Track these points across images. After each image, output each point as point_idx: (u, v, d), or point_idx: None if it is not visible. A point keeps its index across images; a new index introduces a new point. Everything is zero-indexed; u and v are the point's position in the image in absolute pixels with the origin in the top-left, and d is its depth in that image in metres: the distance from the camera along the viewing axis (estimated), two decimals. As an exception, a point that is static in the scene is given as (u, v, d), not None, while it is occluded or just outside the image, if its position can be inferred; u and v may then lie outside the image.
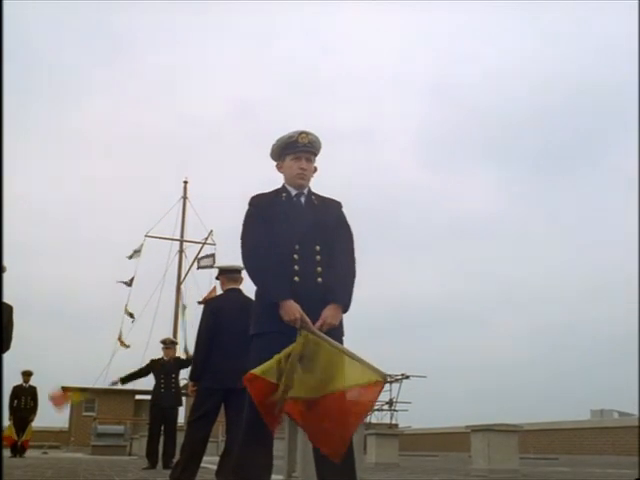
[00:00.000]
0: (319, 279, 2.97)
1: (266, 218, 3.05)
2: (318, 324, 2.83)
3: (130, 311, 24.10)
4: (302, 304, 2.85)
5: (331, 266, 3.00)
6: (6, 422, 13.12)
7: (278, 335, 2.85)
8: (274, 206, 3.09)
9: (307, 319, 2.82)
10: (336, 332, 2.96)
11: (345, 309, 2.96)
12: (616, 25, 54.42)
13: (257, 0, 56.11)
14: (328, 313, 2.88)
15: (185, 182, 26.54)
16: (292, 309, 2.82)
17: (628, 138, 51.30)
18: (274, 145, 3.19)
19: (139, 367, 10.60)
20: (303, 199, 3.13)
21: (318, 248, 3.00)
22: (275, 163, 3.24)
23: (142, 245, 24.82)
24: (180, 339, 22.17)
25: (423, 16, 57.99)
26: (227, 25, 57.33)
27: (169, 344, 10.55)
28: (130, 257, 24.73)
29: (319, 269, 2.98)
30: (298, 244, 2.99)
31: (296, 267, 2.95)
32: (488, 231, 54.90)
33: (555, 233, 54.80)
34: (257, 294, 3.08)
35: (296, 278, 2.93)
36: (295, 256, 2.96)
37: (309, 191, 3.18)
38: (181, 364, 10.28)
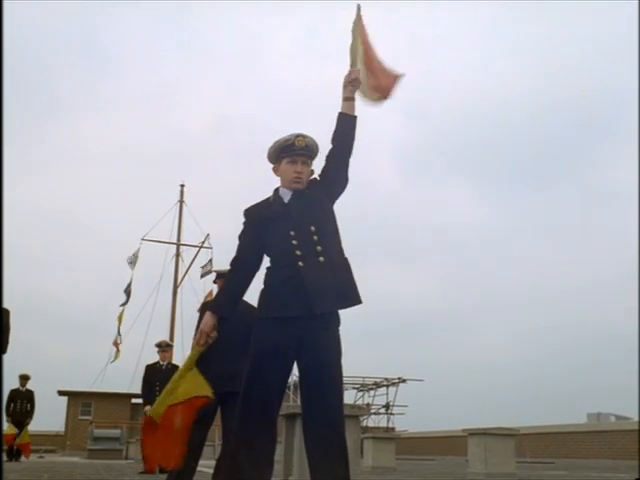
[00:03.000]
0: (320, 258, 2.99)
1: (257, 225, 3.12)
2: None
3: (120, 319, 23.91)
4: (308, 286, 2.89)
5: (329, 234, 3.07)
6: (5, 424, 13.07)
7: (278, 321, 2.92)
8: (266, 210, 3.13)
9: (206, 338, 3.14)
10: (333, 320, 3.00)
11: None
12: (593, 41, 55.49)
13: (243, 15, 57.01)
14: None
15: (182, 186, 26.55)
16: (206, 321, 3.11)
17: (601, 149, 52.38)
18: (271, 148, 3.18)
19: (141, 383, 10.39)
20: (291, 192, 3.15)
21: (313, 228, 3.02)
22: (272, 166, 3.23)
23: (139, 249, 24.78)
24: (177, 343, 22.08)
25: (400, 34, 59.12)
26: (213, 41, 58.34)
27: (165, 347, 10.46)
28: (132, 263, 24.56)
29: (319, 248, 3.00)
30: (293, 230, 3.02)
31: (297, 252, 2.97)
32: (471, 239, 55.59)
33: (535, 239, 55.69)
34: (264, 282, 3.10)
35: (300, 263, 2.95)
36: (293, 242, 2.99)
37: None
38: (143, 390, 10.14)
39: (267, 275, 3.10)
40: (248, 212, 3.19)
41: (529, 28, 56.28)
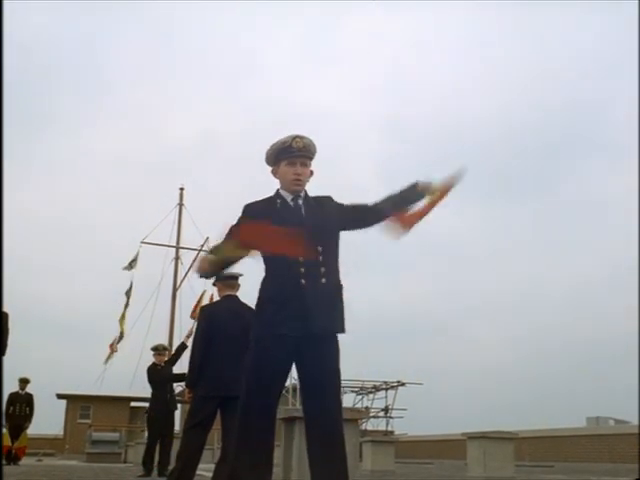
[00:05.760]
0: (323, 279, 2.97)
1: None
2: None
3: (122, 329, 23.85)
4: (309, 306, 2.89)
5: (332, 265, 3.05)
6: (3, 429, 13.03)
7: (277, 338, 2.90)
8: (269, 214, 3.05)
9: None
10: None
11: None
12: (575, 49, 56.12)
13: (237, 27, 57.82)
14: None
15: (181, 189, 26.51)
16: None
17: (578, 160, 53.13)
18: (268, 151, 3.15)
19: (145, 383, 10.30)
20: (301, 201, 3.11)
21: (320, 249, 2.99)
22: (270, 169, 3.19)
23: (138, 252, 24.76)
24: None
25: (380, 48, 60.19)
26: (208, 52, 59.29)
27: (161, 350, 10.46)
28: (130, 268, 24.52)
29: (322, 269, 2.98)
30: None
31: (302, 269, 2.94)
32: (460, 246, 55.91)
33: (517, 247, 56.35)
34: (262, 294, 3.05)
35: (302, 281, 2.93)
36: (300, 259, 2.95)
37: (305, 194, 3.15)
38: (176, 377, 10.16)
39: (265, 288, 3.05)
40: (249, 208, 3.11)
41: (509, 40, 57.31)
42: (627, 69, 53.15)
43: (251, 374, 2.95)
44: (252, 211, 3.09)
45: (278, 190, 3.16)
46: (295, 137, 3.09)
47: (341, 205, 3.18)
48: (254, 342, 3.00)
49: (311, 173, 3.18)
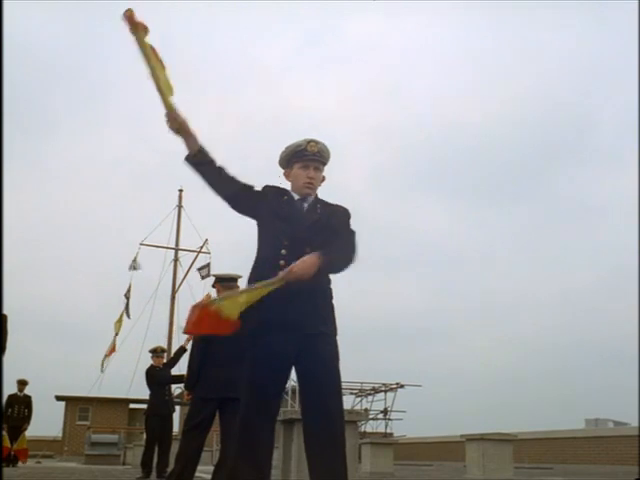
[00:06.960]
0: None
1: (262, 199, 3.09)
2: (283, 273, 2.80)
3: (116, 331, 23.72)
4: (289, 300, 2.85)
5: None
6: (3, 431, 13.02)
7: (275, 326, 2.88)
8: (274, 203, 3.08)
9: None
10: (330, 328, 3.00)
11: (321, 263, 2.84)
12: (562, 55, 56.40)
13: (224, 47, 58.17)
14: (296, 263, 2.81)
15: (180, 191, 26.50)
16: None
17: (576, 161, 54.88)
18: (282, 153, 3.17)
19: (147, 387, 10.29)
20: (306, 205, 3.11)
21: (308, 250, 2.93)
22: (283, 171, 3.21)
23: (137, 254, 24.74)
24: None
25: (369, 54, 60.56)
26: (205, 57, 59.69)
27: (160, 352, 10.46)
28: (135, 268, 24.47)
29: None
30: (288, 240, 2.97)
31: (282, 262, 2.92)
32: (454, 251, 56.15)
33: (516, 248, 56.69)
34: (250, 281, 3.03)
35: (280, 273, 2.88)
36: (283, 251, 2.95)
37: (315, 198, 3.15)
38: (175, 379, 10.16)
39: (252, 275, 3.04)
40: (266, 188, 3.14)
41: (497, 47, 57.86)
42: (625, 71, 53.30)
43: (250, 372, 2.94)
44: (267, 192, 3.12)
45: (290, 190, 3.18)
46: (310, 141, 3.11)
47: (342, 223, 3.14)
48: (252, 333, 2.96)
49: (323, 178, 3.19)
